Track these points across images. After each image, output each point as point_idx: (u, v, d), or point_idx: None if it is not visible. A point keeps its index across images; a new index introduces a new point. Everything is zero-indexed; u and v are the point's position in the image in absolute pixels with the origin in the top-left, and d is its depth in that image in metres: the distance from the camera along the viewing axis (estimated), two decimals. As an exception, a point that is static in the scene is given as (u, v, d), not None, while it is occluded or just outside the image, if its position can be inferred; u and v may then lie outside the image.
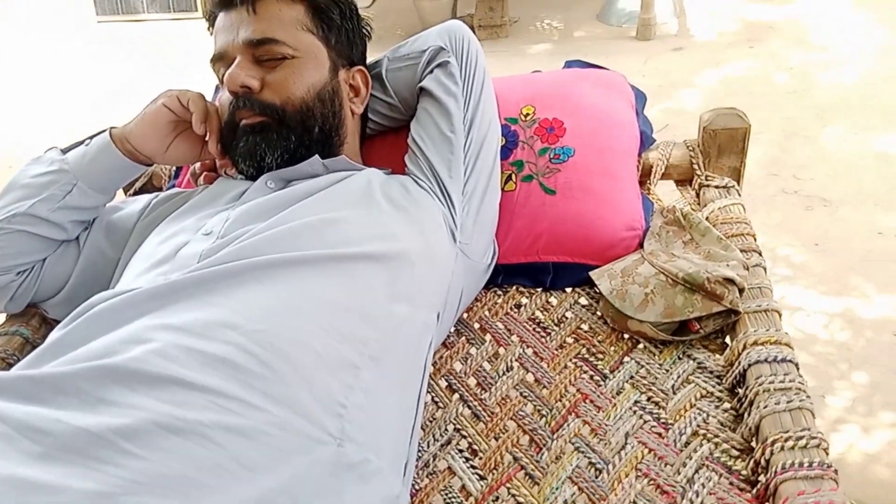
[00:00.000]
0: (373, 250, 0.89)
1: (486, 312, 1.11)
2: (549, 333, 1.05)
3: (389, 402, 0.84)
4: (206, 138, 1.04)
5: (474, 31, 3.66)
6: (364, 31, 1.14)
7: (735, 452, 0.83)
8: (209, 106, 1.04)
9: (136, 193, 1.33)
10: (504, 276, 1.14)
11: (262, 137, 0.99)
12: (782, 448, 0.76)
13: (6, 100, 3.63)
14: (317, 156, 1.00)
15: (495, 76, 1.28)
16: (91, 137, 1.05)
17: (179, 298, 0.80)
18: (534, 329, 1.06)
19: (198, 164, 1.15)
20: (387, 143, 1.19)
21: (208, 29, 1.08)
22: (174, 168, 1.35)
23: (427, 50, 1.11)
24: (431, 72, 1.10)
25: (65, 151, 1.04)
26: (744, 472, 0.81)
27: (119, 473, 0.64)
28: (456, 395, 0.99)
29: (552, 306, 1.10)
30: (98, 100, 3.45)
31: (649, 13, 3.27)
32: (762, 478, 0.77)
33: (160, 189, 1.33)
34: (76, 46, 4.19)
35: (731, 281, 0.94)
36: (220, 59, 1.03)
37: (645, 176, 1.24)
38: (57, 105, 3.49)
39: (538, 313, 1.09)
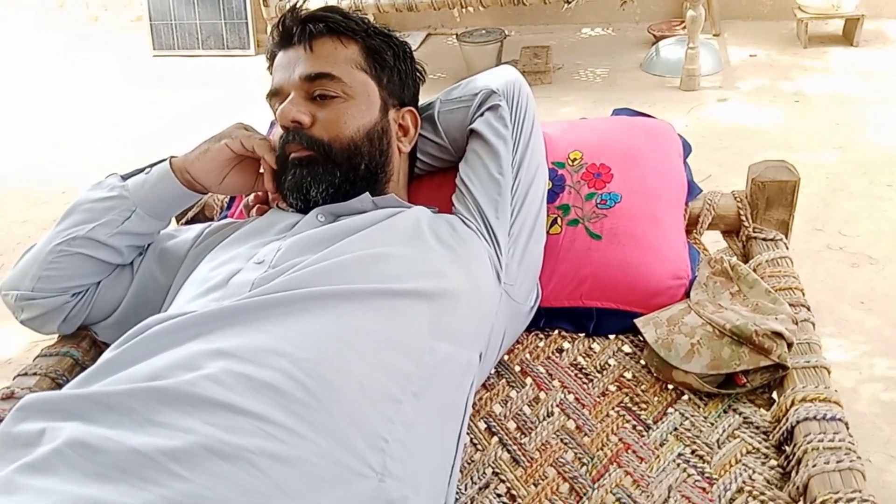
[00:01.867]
0: (419, 287, 0.90)
1: (528, 355, 1.11)
2: (592, 380, 1.04)
3: (430, 439, 0.84)
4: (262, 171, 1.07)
5: (519, 77, 3.66)
6: (418, 73, 1.17)
7: (782, 511, 0.81)
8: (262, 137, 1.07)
9: (188, 222, 1.37)
10: (546, 319, 1.14)
11: (308, 171, 1.01)
12: (832, 509, 0.74)
13: (65, 130, 3.75)
14: (367, 193, 1.02)
15: (555, 122, 1.29)
16: (151, 166, 1.08)
17: (231, 324, 0.82)
18: (575, 375, 1.06)
19: (251, 197, 1.18)
20: (434, 183, 1.21)
21: (268, 68, 1.11)
22: (227, 199, 1.38)
23: (479, 93, 1.13)
24: (482, 114, 1.12)
25: (125, 178, 1.08)
26: (791, 533, 0.79)
27: (165, 494, 0.65)
28: (495, 439, 0.98)
29: (595, 352, 1.09)
30: (149, 133, 3.56)
31: (694, 64, 3.28)
32: (810, 539, 0.76)
33: (212, 219, 1.37)
34: (132, 81, 4.34)
35: (779, 335, 0.93)
36: (276, 95, 1.06)
37: (691, 225, 1.23)
38: (110, 137, 3.60)
39: (580, 359, 1.08)
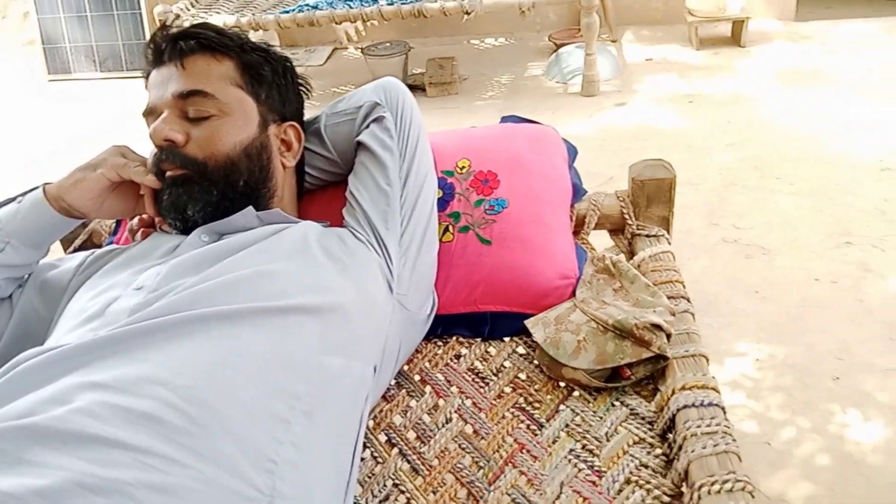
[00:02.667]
0: (306, 302, 0.89)
1: (427, 364, 1.11)
2: (488, 383, 1.06)
3: (324, 457, 0.83)
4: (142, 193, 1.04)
5: (425, 89, 3.69)
6: (301, 87, 1.16)
7: (666, 499, 0.84)
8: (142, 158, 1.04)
9: (76, 251, 1.32)
10: (444, 326, 1.15)
11: (184, 190, 0.99)
12: (709, 492, 0.77)
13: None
14: (251, 207, 1.01)
15: (444, 131, 1.31)
16: (23, 194, 1.04)
17: (107, 354, 0.79)
18: (473, 379, 1.07)
19: (136, 221, 1.15)
20: (326, 196, 1.21)
21: (145, 86, 1.09)
22: (113, 224, 1.34)
23: (363, 105, 1.14)
24: (368, 126, 1.13)
25: None
26: (674, 518, 0.82)
27: None
28: (395, 450, 0.98)
29: (491, 356, 1.11)
30: (44, 155, 3.43)
31: (592, 69, 3.38)
32: (692, 522, 0.78)
33: (100, 246, 1.32)
34: (26, 105, 4.16)
35: (658, 327, 0.96)
36: (151, 114, 1.04)
37: (579, 226, 1.27)
38: (2, 160, 3.46)
39: (477, 363, 1.10)
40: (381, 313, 1.00)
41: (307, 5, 3.37)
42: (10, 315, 1.06)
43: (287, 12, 3.36)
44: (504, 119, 1.37)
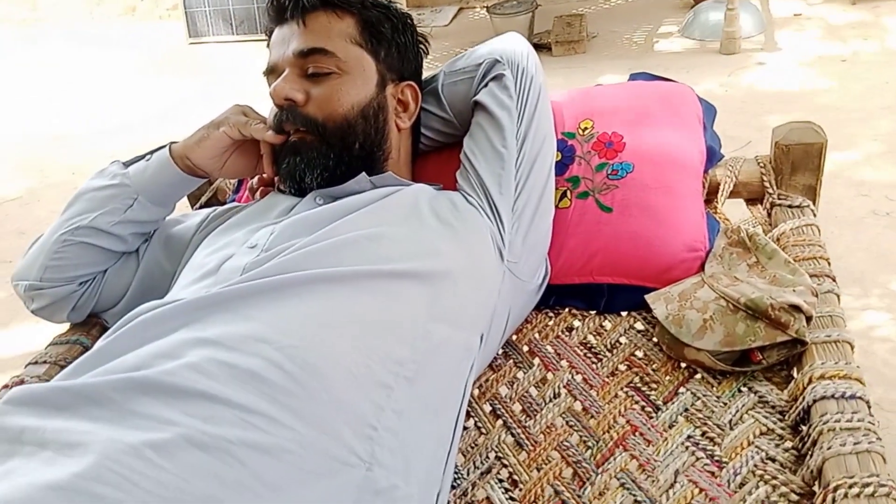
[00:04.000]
0: (414, 268, 0.87)
1: (537, 335, 1.07)
2: (601, 359, 1.00)
3: (424, 426, 0.81)
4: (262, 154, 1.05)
5: (551, 48, 3.59)
6: (420, 46, 1.13)
7: (794, 497, 0.76)
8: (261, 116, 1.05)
9: (202, 207, 1.36)
10: (556, 297, 1.10)
11: (302, 158, 0.99)
12: (846, 495, 0.69)
13: (106, 117, 3.83)
14: (363, 173, 0.99)
15: (567, 90, 1.24)
16: (152, 152, 1.07)
17: (217, 311, 0.80)
18: (585, 354, 1.01)
19: (256, 180, 1.16)
20: (442, 158, 1.17)
21: (267, 46, 1.09)
22: (236, 182, 1.37)
23: (483, 63, 1.09)
24: (486, 85, 1.08)
25: (127, 165, 1.07)
26: (804, 520, 0.74)
27: (144, 485, 0.64)
28: (500, 422, 0.95)
29: (606, 330, 1.05)
30: (183, 119, 3.62)
31: (733, 26, 3.15)
32: (824, 527, 0.71)
33: (223, 203, 1.36)
34: (168, 69, 4.39)
35: (797, 308, 0.87)
36: (272, 72, 1.04)
37: (712, 194, 1.17)
38: (149, 123, 3.67)
39: (590, 337, 1.04)
40: (491, 280, 0.96)
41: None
42: (137, 268, 1.10)
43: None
44: (633, 76, 1.28)
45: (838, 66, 3.00)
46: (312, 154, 0.99)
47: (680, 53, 3.37)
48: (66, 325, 1.15)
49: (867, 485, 0.69)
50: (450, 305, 0.89)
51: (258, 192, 1.15)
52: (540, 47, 3.62)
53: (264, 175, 1.13)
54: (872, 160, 2.36)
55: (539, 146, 1.05)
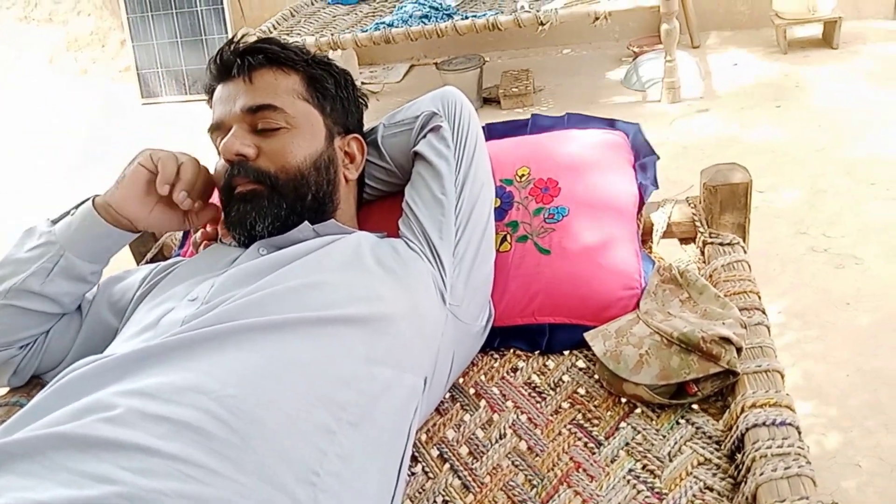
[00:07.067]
0: (353, 313, 0.88)
1: (483, 377, 1.08)
2: (545, 398, 1.01)
3: (369, 469, 0.81)
4: (173, 197, 1.01)
5: (500, 102, 3.65)
6: (360, 100, 1.16)
7: (732, 524, 0.78)
8: (192, 167, 1.04)
9: (148, 263, 1.35)
10: (501, 339, 1.12)
11: (252, 206, 0.99)
12: (778, 519, 0.70)
13: (53, 176, 3.79)
14: (306, 222, 1.00)
15: (505, 139, 1.27)
16: (76, 206, 1.05)
17: (153, 364, 0.80)
18: (529, 394, 1.03)
19: (199, 234, 1.16)
20: (385, 207, 1.19)
21: (207, 102, 1.11)
22: (181, 236, 1.37)
23: (420, 115, 1.12)
24: (425, 136, 1.11)
25: (55, 222, 1.05)
26: (741, 546, 0.75)
27: None
28: (447, 465, 0.95)
29: (549, 370, 1.06)
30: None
31: (673, 76, 3.27)
32: (759, 552, 0.72)
33: (169, 259, 1.35)
34: (120, 128, 4.38)
35: (727, 340, 0.90)
36: (218, 129, 1.04)
37: (647, 235, 1.21)
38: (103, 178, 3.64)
39: (534, 377, 1.06)
40: (434, 324, 0.98)
41: (383, 23, 3.41)
42: (80, 327, 1.09)
43: (364, 31, 3.41)
44: (568, 115, 1.32)
45: (773, 112, 3.13)
46: (263, 203, 0.99)
47: (624, 104, 3.48)
48: (5, 388, 1.13)
49: (797, 507, 0.71)
50: (392, 348, 0.89)
51: (202, 246, 1.15)
52: (489, 101, 3.71)
53: (207, 229, 1.14)
54: (808, 199, 2.45)
55: (478, 193, 1.08)
